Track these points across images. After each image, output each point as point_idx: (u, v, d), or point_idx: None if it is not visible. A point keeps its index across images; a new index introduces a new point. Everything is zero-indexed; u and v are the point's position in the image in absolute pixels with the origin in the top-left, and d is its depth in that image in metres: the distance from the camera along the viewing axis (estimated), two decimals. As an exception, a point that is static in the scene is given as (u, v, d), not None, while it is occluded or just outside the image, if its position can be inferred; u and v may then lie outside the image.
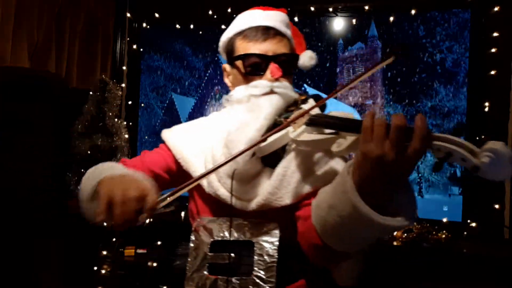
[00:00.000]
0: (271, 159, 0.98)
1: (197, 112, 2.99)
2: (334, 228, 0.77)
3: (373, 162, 0.67)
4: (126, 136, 2.82)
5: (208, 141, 1.06)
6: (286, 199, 0.95)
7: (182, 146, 1.09)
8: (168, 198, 0.84)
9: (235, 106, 1.05)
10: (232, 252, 0.98)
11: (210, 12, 2.88)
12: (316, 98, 1.04)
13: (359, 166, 0.70)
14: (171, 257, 2.47)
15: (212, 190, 1.01)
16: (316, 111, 0.93)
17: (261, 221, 0.98)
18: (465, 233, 2.27)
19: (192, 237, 1.05)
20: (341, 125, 0.79)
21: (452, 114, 2.43)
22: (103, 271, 2.49)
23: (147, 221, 2.51)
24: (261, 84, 1.01)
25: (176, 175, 1.11)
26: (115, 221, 0.78)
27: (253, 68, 1.02)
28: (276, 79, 1.01)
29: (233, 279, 0.96)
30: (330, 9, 2.64)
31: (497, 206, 2.28)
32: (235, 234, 0.99)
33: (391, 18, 2.54)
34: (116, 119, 2.79)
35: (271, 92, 1.00)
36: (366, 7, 2.56)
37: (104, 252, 2.52)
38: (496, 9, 2.30)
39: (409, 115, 2.51)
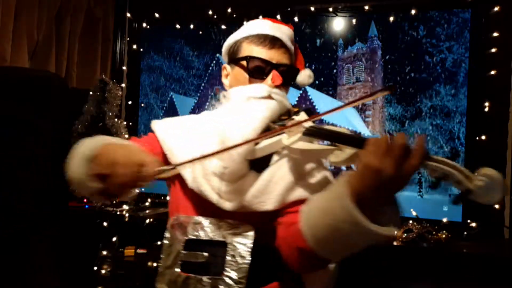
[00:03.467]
0: (258, 164, 0.99)
1: (197, 112, 2.98)
2: (325, 233, 0.80)
3: (373, 174, 0.72)
4: (126, 136, 2.82)
5: (199, 139, 1.07)
6: (268, 205, 0.97)
7: (172, 141, 1.09)
8: (170, 170, 0.85)
9: (231, 104, 1.06)
10: (205, 251, 0.99)
11: (210, 12, 2.88)
12: (308, 112, 1.07)
13: (359, 176, 0.74)
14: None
15: (196, 185, 1.02)
16: (310, 123, 0.96)
17: (237, 223, 0.99)
18: (465, 233, 2.26)
19: (167, 234, 1.06)
20: (341, 139, 0.84)
21: (452, 114, 2.43)
22: (103, 271, 2.49)
23: (148, 221, 2.51)
24: (261, 87, 1.03)
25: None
26: (114, 182, 0.77)
27: (256, 71, 1.06)
28: (276, 86, 1.04)
29: (204, 278, 0.97)
30: (330, 9, 2.64)
31: (497, 206, 2.28)
32: (210, 234, 1.00)
33: (391, 18, 2.54)
34: (116, 119, 2.79)
35: (269, 97, 1.02)
36: (366, 7, 2.56)
37: (104, 252, 2.52)
38: (496, 9, 2.30)
39: (409, 115, 2.51)
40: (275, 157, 1.02)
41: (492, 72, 2.30)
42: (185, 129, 1.13)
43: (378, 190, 0.73)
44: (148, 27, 3.09)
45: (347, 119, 2.66)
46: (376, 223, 0.74)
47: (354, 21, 2.63)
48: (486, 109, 2.30)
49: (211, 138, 1.03)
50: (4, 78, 2.26)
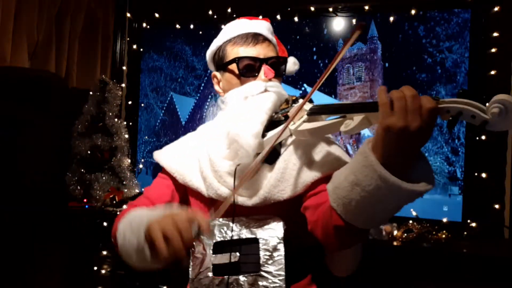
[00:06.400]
0: (269, 156, 0.99)
1: (197, 112, 2.99)
2: (360, 204, 0.78)
3: (397, 134, 0.69)
4: (126, 136, 2.82)
5: (202, 149, 1.09)
6: (288, 192, 0.97)
7: (176, 162, 1.12)
8: (216, 213, 0.87)
9: (231, 107, 1.07)
10: (236, 251, 0.97)
11: (210, 12, 2.88)
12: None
13: (382, 140, 0.72)
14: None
15: (213, 191, 1.02)
16: (310, 105, 0.97)
17: (264, 217, 0.99)
18: (465, 233, 2.26)
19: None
20: (347, 108, 0.83)
21: (452, 114, 2.42)
22: (103, 271, 2.49)
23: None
24: (256, 84, 1.05)
25: (182, 195, 1.14)
26: (176, 252, 0.78)
27: (247, 70, 1.07)
28: (269, 80, 1.06)
29: (241, 277, 0.96)
30: (330, 9, 2.64)
31: (497, 206, 2.28)
32: (239, 233, 0.99)
33: (391, 18, 2.54)
34: (116, 119, 2.79)
35: (266, 91, 1.04)
36: (366, 7, 2.56)
37: (104, 252, 2.52)
38: (496, 9, 2.30)
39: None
40: (284, 145, 1.04)
41: (492, 72, 2.30)
42: (185, 148, 1.15)
43: (404, 148, 0.71)
44: (148, 27, 3.09)
45: (347, 119, 2.66)
46: (408, 181, 0.72)
47: (354, 21, 2.63)
48: (486, 109, 2.30)
49: (214, 145, 1.05)
50: (4, 78, 2.26)
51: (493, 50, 2.31)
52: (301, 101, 1.03)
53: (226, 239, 0.99)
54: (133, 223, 0.92)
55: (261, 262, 0.95)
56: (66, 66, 2.81)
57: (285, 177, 0.98)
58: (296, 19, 2.71)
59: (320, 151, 1.00)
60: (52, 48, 2.68)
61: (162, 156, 1.16)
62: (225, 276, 0.96)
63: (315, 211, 0.93)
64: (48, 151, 2.45)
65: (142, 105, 3.13)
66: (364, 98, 2.62)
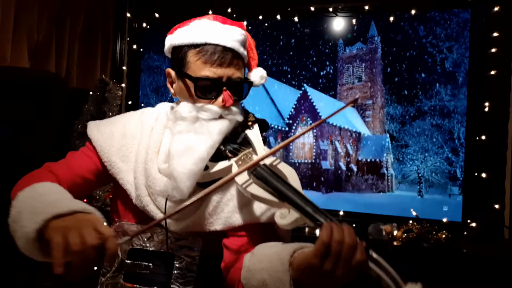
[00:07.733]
0: (206, 182, 0.97)
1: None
2: None
3: (321, 273, 0.73)
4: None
5: (140, 147, 1.03)
6: (216, 225, 0.97)
7: (110, 149, 1.05)
8: (127, 240, 0.85)
9: (179, 122, 1.01)
10: (150, 262, 0.96)
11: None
12: (262, 123, 1.04)
13: (304, 267, 0.76)
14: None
15: (141, 205, 0.99)
16: (261, 146, 0.98)
17: (186, 236, 0.98)
18: (465, 233, 2.27)
19: None
20: (287, 197, 0.83)
21: (452, 114, 2.43)
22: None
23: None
24: (211, 109, 0.97)
25: (103, 176, 1.08)
26: (72, 272, 0.75)
27: (205, 91, 0.98)
28: (227, 107, 0.98)
29: None
30: (330, 9, 2.64)
31: (497, 206, 2.28)
32: (157, 245, 0.98)
33: (391, 18, 2.54)
34: (116, 119, 2.79)
35: (220, 118, 0.98)
36: (366, 7, 2.56)
37: (104, 252, 2.52)
38: (496, 9, 2.30)
39: (409, 115, 2.51)
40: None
41: (492, 72, 2.30)
42: (122, 135, 1.07)
43: (321, 282, 0.76)
44: (148, 27, 3.09)
45: (347, 119, 2.66)
46: None
47: (354, 21, 2.63)
48: (486, 109, 2.30)
49: (152, 153, 1.00)
50: (4, 78, 2.26)
51: (493, 50, 2.30)
52: (255, 128, 1.02)
53: (143, 248, 0.98)
54: (36, 205, 0.85)
55: (172, 278, 0.95)
56: (66, 66, 2.81)
57: (216, 211, 0.97)
58: (296, 19, 2.71)
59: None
60: (52, 48, 2.68)
61: (97, 135, 1.07)
62: (135, 285, 0.96)
63: (231, 257, 0.97)
64: (48, 151, 2.45)
65: (142, 105, 3.13)
66: (364, 98, 2.62)
